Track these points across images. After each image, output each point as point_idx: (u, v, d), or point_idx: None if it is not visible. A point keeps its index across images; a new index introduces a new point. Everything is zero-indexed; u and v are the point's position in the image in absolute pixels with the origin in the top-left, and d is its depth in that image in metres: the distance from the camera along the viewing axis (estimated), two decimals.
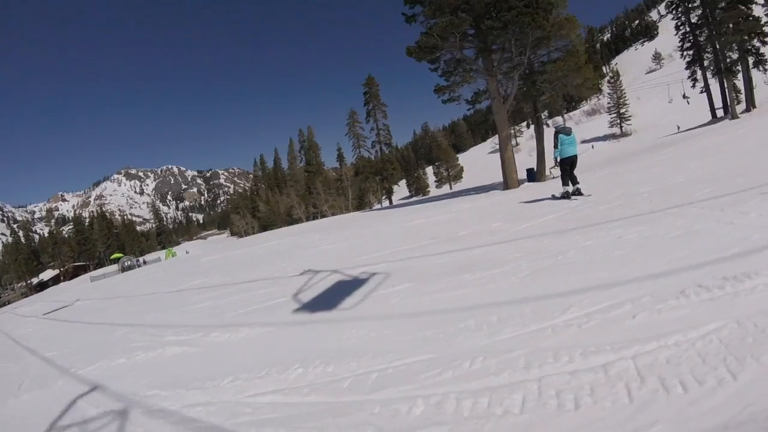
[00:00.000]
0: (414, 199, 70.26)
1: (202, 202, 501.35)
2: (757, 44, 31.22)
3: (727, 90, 32.95)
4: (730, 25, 30.35)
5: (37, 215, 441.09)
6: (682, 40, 37.02)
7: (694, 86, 37.17)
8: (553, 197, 10.44)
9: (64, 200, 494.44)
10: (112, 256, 66.46)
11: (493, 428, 2.04)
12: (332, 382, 2.98)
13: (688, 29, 35.99)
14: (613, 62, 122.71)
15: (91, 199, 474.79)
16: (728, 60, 31.76)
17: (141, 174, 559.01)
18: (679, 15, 36.15)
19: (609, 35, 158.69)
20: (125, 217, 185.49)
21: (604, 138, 74.49)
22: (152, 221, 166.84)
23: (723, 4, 30.63)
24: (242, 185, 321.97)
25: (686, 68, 37.61)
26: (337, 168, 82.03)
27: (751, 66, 31.65)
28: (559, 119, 11.89)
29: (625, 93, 77.75)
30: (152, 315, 7.72)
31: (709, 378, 1.97)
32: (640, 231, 4.86)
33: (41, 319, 12.82)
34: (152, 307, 8.87)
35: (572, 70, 20.48)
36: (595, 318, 2.88)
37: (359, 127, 68.83)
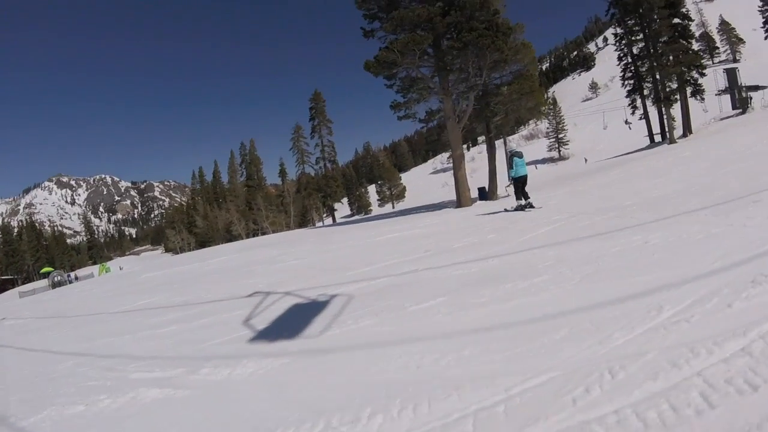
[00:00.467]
0: (357, 217, 70.08)
1: (136, 216, 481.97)
2: (696, 75, 33.19)
3: (665, 117, 34.80)
4: (671, 57, 32.22)
5: None
6: (624, 70, 38.58)
7: (633, 113, 38.98)
8: (506, 210, 12.49)
9: None
10: (42, 270, 62.31)
11: (705, 428, 1.79)
12: (448, 427, 2.16)
13: (629, 60, 37.64)
14: (551, 90, 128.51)
15: (21, 207, 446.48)
16: (667, 89, 33.64)
17: (73, 183, 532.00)
18: (623, 47, 37.83)
19: (548, 64, 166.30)
20: (55, 228, 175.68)
21: (543, 161, 77.43)
22: (83, 234, 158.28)
23: (665, 38, 32.49)
24: (178, 199, 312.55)
25: (627, 96, 39.35)
26: (279, 185, 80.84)
27: (688, 95, 33.57)
28: (513, 145, 13.31)
29: (563, 119, 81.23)
30: (103, 341, 6.27)
31: None
32: (662, 236, 4.96)
33: None
34: (100, 330, 7.33)
35: (526, 93, 20.98)
36: (695, 312, 2.83)
37: (304, 142, 68.50)
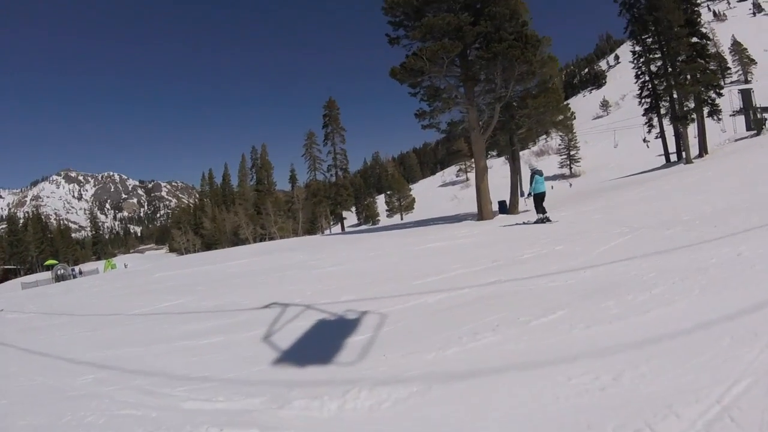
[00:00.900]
0: (365, 226, 69.84)
1: (141, 214, 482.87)
2: (713, 95, 33.00)
3: (681, 136, 34.57)
4: (689, 76, 32.04)
5: None
6: (641, 88, 38.58)
7: (650, 131, 38.80)
8: (524, 223, 13.67)
9: None
10: (46, 263, 62.22)
11: None
12: None
13: (647, 78, 37.57)
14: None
15: (27, 199, 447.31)
16: (685, 108, 33.43)
17: (81, 178, 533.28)
18: (640, 65, 37.75)
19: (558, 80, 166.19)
20: (61, 221, 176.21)
21: (554, 177, 77.08)
22: (89, 229, 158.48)
23: (683, 57, 32.35)
24: (185, 200, 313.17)
25: (643, 114, 39.22)
26: (287, 191, 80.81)
27: (705, 115, 33.34)
28: (534, 163, 14.06)
29: (575, 136, 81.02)
30: (128, 350, 5.23)
31: None
32: (751, 248, 4.93)
33: None
34: (120, 335, 6.33)
35: (552, 107, 20.80)
36: None
37: (317, 149, 68.65)
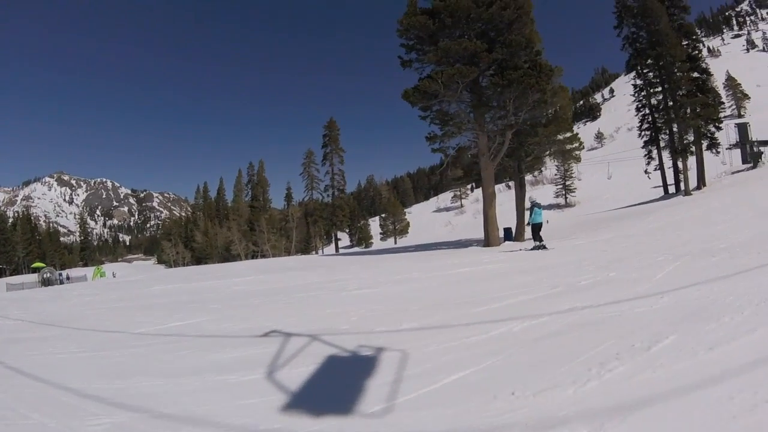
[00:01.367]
0: (357, 249, 69.42)
1: (132, 223, 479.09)
2: (712, 129, 33.74)
3: (681, 169, 34.98)
4: (689, 110, 32.69)
5: None
6: (641, 121, 39.12)
7: (649, 164, 39.29)
8: (521, 250, 15.39)
9: None
10: (33, 265, 61.28)
11: None
12: None
13: (647, 111, 38.16)
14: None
15: (18, 199, 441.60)
16: (684, 141, 33.98)
17: (74, 182, 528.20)
18: (641, 98, 38.36)
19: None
20: (51, 224, 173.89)
21: (549, 207, 77.40)
22: (78, 234, 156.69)
23: (684, 91, 32.97)
24: (176, 212, 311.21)
25: (643, 147, 39.73)
26: (281, 209, 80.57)
27: (704, 148, 33.93)
28: (533, 196, 15.01)
29: (571, 166, 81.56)
30: (146, 384, 4.10)
31: None
32: None
33: None
34: (131, 361, 5.09)
35: (563, 136, 20.95)
36: None
37: (315, 168, 68.67)
